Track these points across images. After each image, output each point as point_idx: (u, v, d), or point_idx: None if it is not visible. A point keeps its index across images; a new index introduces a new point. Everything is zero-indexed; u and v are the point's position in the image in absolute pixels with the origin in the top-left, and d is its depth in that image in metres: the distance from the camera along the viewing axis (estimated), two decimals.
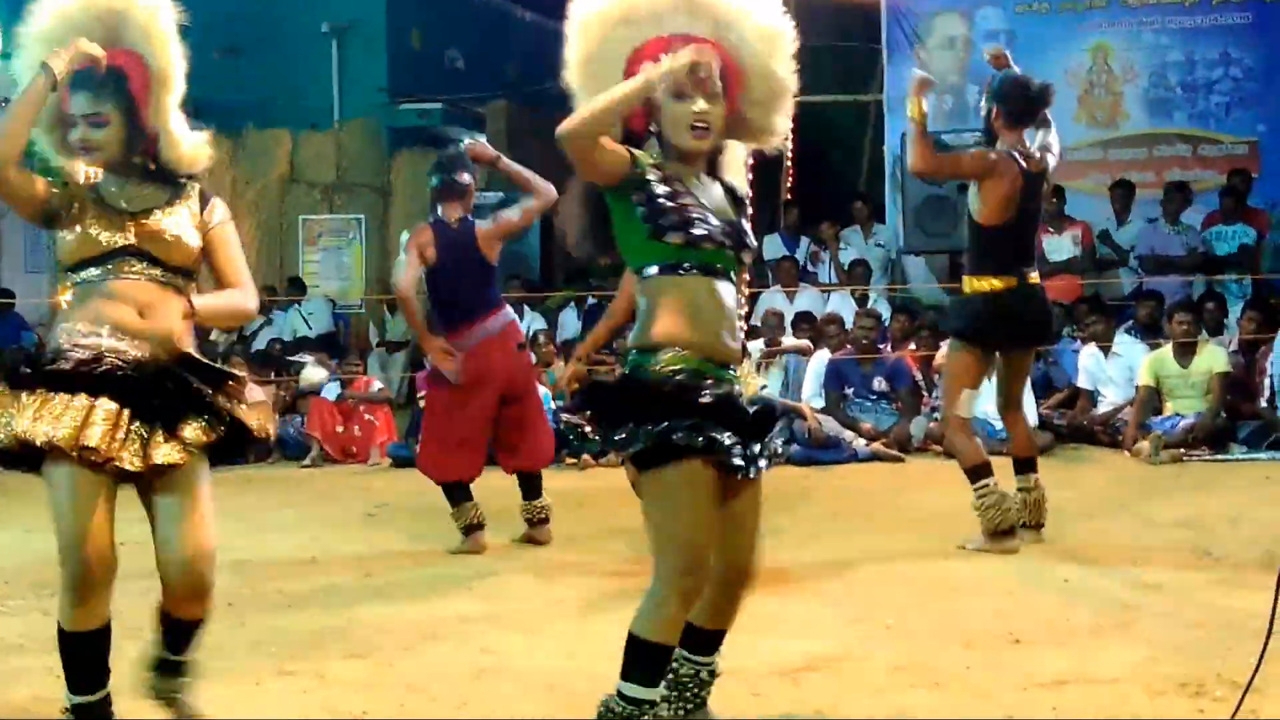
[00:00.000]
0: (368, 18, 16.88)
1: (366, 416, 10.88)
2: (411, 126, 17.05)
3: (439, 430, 6.73)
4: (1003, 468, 6.49)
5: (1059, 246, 11.91)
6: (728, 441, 3.32)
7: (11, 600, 5.96)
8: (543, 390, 10.64)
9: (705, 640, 3.61)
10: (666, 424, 3.27)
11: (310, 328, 13.59)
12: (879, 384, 10.41)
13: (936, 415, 9.93)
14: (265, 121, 15.96)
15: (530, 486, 6.98)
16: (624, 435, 3.33)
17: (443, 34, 17.71)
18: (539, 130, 17.76)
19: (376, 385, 11.23)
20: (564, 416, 10.42)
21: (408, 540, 7.05)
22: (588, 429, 3.43)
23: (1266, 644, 3.68)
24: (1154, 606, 5.25)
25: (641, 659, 3.38)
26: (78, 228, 3.82)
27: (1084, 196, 12.88)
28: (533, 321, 12.62)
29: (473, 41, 18.14)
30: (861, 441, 9.91)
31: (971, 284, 6.34)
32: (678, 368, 3.35)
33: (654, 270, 3.45)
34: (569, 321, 12.98)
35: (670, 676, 3.57)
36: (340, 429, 10.77)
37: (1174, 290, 11.26)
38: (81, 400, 3.63)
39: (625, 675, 3.40)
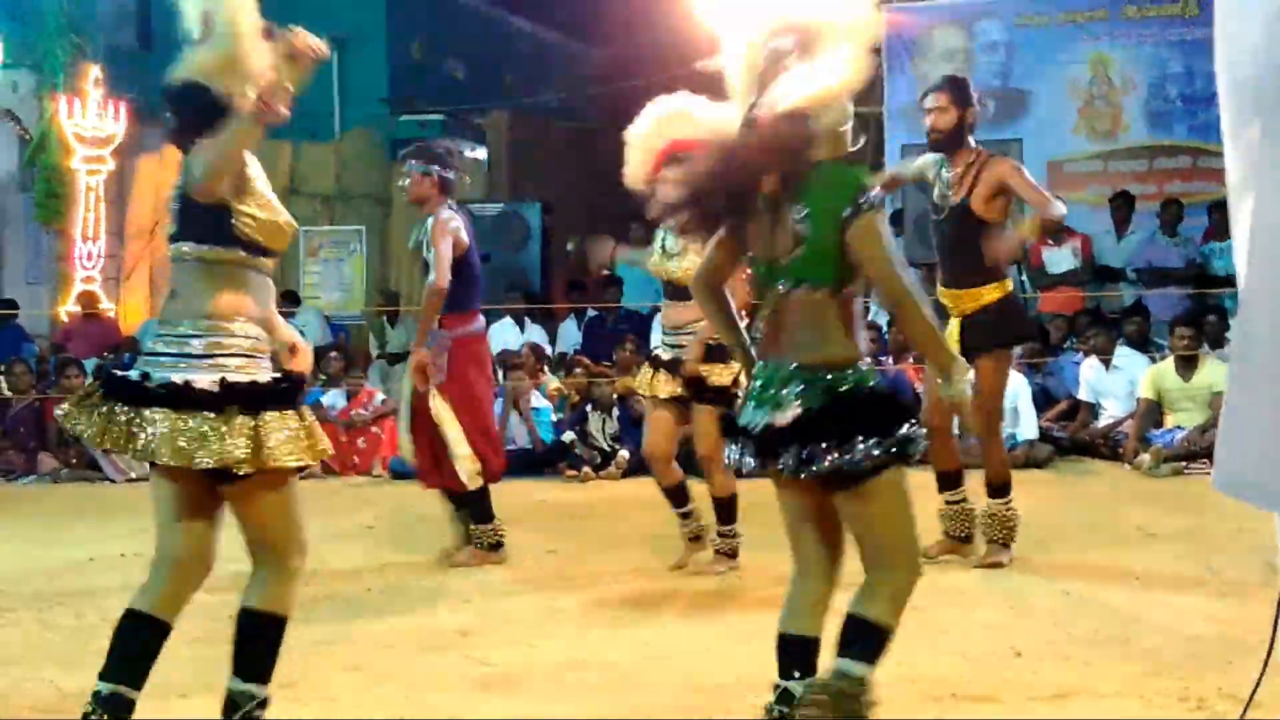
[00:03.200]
0: (368, 28, 16.92)
1: (371, 429, 10.90)
2: (412, 137, 17.08)
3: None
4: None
5: (1059, 259, 11.92)
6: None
7: (10, 611, 5.94)
8: (542, 402, 10.68)
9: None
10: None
11: (305, 339, 13.55)
12: None
13: None
14: (265, 132, 15.97)
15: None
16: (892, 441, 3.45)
17: (443, 45, 17.75)
18: (538, 140, 17.80)
19: (379, 398, 11.22)
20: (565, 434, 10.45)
21: (406, 553, 7.04)
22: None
23: (1268, 658, 3.67)
24: (1154, 620, 5.24)
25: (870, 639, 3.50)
26: None
27: (1084, 208, 12.91)
28: (533, 333, 12.63)
29: (473, 52, 18.19)
30: None
31: None
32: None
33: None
34: (569, 333, 12.99)
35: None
36: (344, 439, 10.74)
37: (1171, 303, 11.26)
38: None
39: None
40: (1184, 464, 9.32)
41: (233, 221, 3.69)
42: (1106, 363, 10.34)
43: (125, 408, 3.59)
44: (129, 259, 16.34)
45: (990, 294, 6.23)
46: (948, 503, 6.42)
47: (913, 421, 3.53)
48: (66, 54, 15.72)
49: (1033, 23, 13.84)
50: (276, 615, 3.91)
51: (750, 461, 3.57)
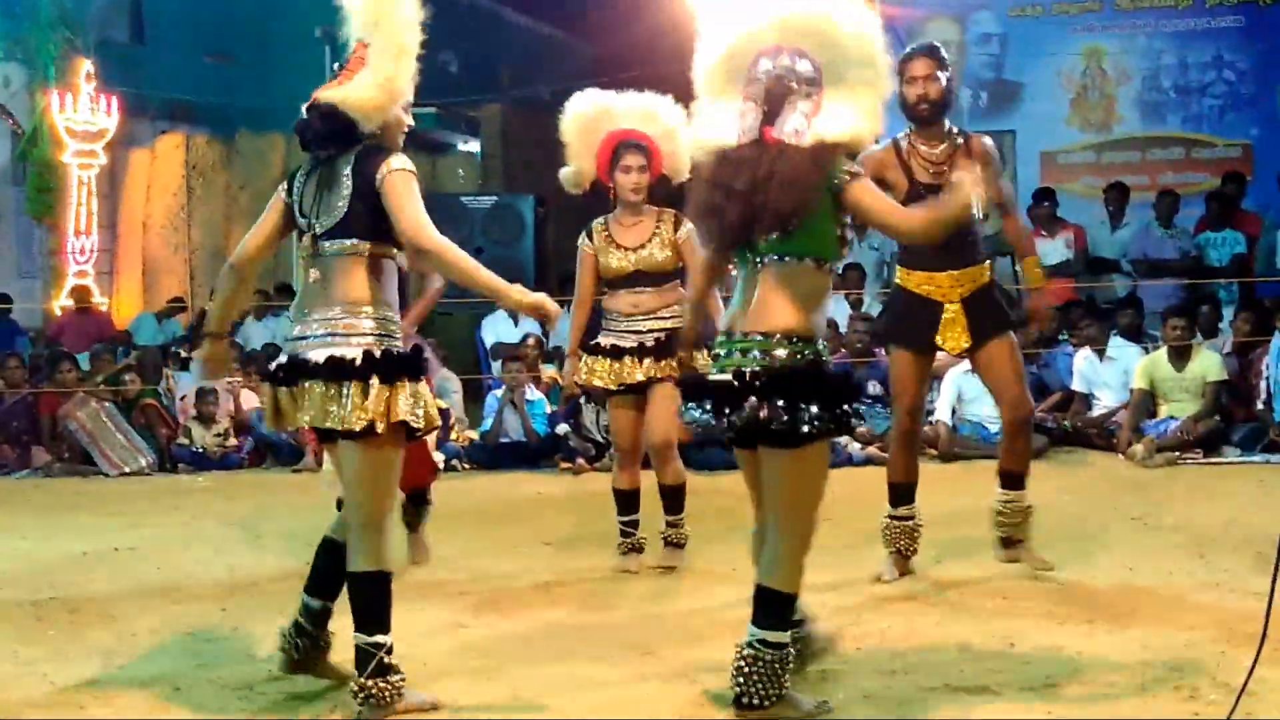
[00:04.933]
0: None
1: None
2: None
3: None
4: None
5: (1051, 250, 11.92)
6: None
7: (4, 605, 5.93)
8: (537, 395, 10.67)
9: None
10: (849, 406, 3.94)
11: None
12: (873, 387, 10.38)
13: (931, 419, 9.93)
14: (258, 126, 15.96)
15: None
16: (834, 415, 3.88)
17: (436, 38, 17.67)
18: (532, 133, 17.81)
19: None
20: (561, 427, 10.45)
21: (401, 544, 7.03)
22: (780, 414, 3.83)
23: (1261, 647, 3.68)
24: (1148, 610, 5.25)
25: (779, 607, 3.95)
26: None
27: (1077, 199, 12.92)
28: (526, 326, 12.62)
29: (466, 45, 18.13)
30: (856, 445, 9.89)
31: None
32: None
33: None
34: (561, 327, 12.95)
35: None
36: None
37: (1166, 294, 11.27)
38: None
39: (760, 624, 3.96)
40: (1177, 454, 9.32)
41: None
42: (1100, 353, 10.35)
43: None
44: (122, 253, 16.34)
45: (987, 273, 5.90)
46: (896, 518, 6.06)
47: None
48: (59, 48, 15.71)
49: (1026, 14, 13.85)
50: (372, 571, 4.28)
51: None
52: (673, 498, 6.39)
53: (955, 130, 5.95)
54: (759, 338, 3.94)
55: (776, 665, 3.90)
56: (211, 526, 7.95)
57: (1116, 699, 4.17)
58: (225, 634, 5.32)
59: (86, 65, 15.56)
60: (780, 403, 3.82)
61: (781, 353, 3.89)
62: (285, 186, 4.47)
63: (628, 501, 6.45)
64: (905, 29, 13.29)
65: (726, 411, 3.91)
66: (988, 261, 5.97)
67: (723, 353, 4.02)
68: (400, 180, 4.22)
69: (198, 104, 17.09)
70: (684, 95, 6.32)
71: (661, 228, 6.25)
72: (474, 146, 16.88)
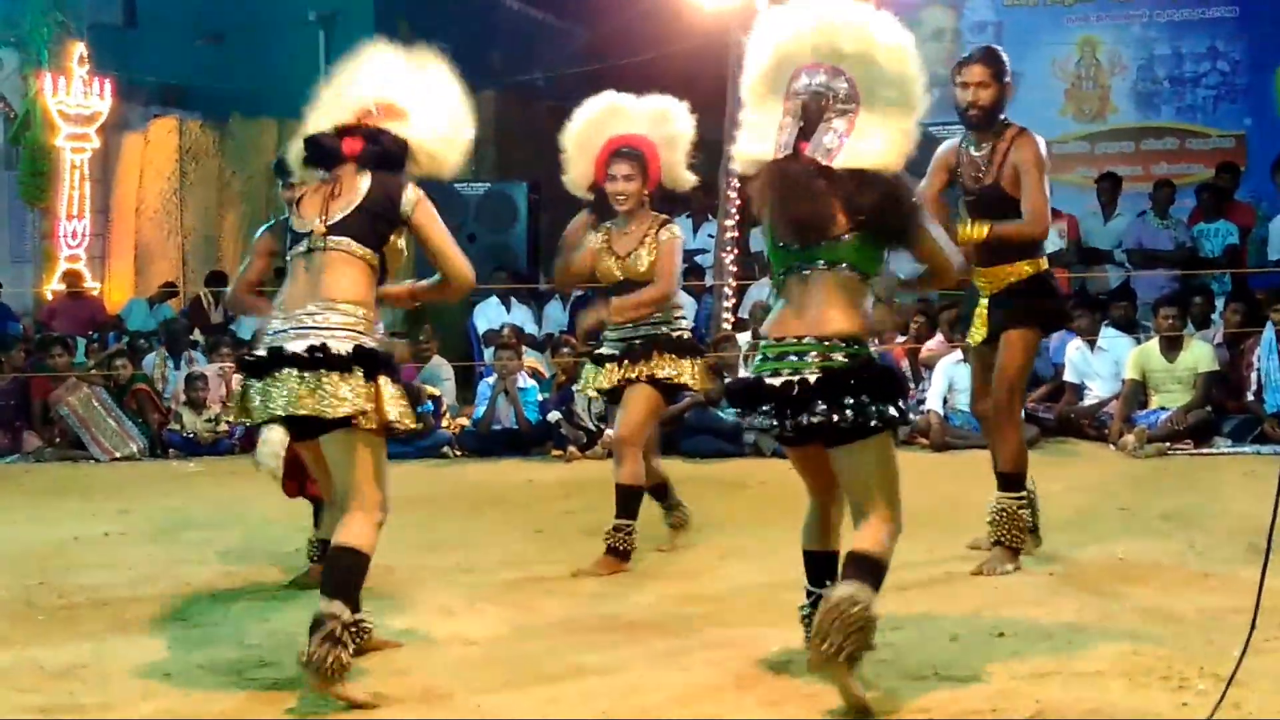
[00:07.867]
0: (355, 6, 16.85)
1: None
2: None
3: None
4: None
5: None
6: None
7: None
8: (529, 382, 10.67)
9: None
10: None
11: None
12: None
13: (923, 409, 9.94)
14: (251, 110, 15.91)
15: None
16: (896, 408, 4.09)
17: (430, 23, 17.62)
18: (525, 120, 17.77)
19: None
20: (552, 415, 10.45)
21: (392, 531, 7.02)
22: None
23: (1250, 637, 3.69)
24: (1137, 599, 5.25)
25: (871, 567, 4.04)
26: None
27: (1071, 190, 12.92)
28: (519, 314, 12.62)
29: (460, 31, 18.09)
30: None
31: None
32: None
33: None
34: (554, 314, 12.97)
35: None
36: None
37: (1160, 285, 11.28)
38: None
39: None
40: (1168, 445, 9.34)
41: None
42: (1092, 344, 10.36)
43: None
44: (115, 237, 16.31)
45: (1020, 270, 5.87)
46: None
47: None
48: (51, 31, 15.67)
49: (1021, 3, 13.85)
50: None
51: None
52: (624, 500, 6.09)
53: (1005, 132, 5.86)
54: (813, 341, 4.06)
55: (857, 620, 3.83)
56: (202, 512, 7.95)
57: (1106, 688, 4.17)
58: (216, 619, 5.31)
59: (79, 48, 15.53)
60: (848, 402, 3.97)
61: (839, 356, 4.03)
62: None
63: (657, 493, 6.43)
64: (900, 16, 13.27)
65: (788, 413, 4.04)
66: (1028, 259, 5.89)
67: (772, 355, 4.12)
68: (429, 212, 4.57)
69: (191, 88, 17.06)
70: (676, 83, 6.37)
71: (649, 236, 6.15)
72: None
